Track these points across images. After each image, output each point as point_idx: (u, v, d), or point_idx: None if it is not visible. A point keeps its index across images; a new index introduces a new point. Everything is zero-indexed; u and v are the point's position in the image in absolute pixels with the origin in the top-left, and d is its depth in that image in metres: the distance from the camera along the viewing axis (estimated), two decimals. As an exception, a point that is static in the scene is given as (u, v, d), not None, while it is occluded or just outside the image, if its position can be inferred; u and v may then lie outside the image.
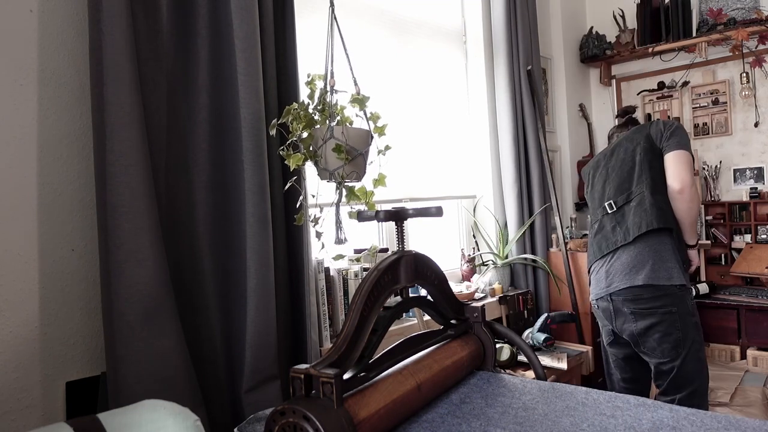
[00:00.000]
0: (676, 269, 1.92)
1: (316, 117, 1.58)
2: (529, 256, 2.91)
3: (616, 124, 2.46)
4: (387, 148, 1.67)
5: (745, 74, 3.13)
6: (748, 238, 3.11)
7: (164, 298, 1.41)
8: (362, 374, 1.00)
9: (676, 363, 1.90)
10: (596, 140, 3.74)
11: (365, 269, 2.04)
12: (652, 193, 2.01)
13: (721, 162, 3.29)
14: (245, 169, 1.59)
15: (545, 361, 2.40)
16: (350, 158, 1.53)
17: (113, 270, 1.35)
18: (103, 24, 1.34)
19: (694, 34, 3.18)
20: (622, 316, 1.99)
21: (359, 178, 1.61)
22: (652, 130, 2.12)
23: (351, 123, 1.63)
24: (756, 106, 3.18)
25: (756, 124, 3.20)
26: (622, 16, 3.45)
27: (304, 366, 0.93)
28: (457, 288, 2.60)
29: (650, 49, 3.31)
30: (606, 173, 2.21)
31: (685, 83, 3.40)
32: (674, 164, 2.00)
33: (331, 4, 1.68)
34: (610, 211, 2.12)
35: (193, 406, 1.40)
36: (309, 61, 1.98)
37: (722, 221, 3.18)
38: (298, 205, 1.67)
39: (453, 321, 1.31)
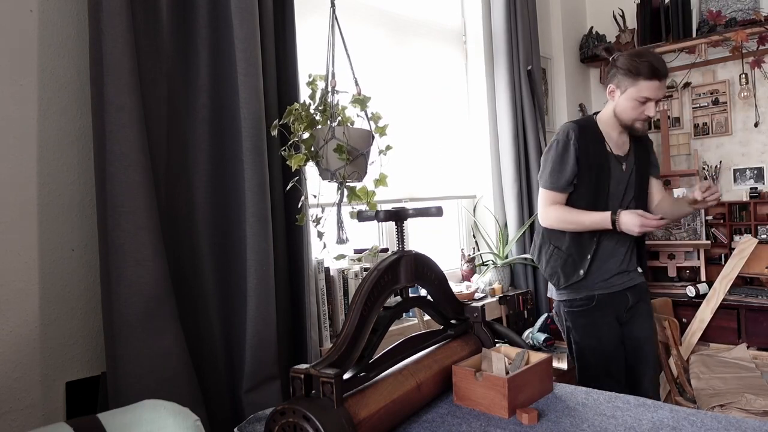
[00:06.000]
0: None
1: (317, 117, 1.58)
2: (529, 256, 2.91)
3: None
4: (388, 147, 1.66)
5: (744, 75, 3.13)
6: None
7: (164, 298, 1.41)
8: (362, 374, 1.00)
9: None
10: (596, 140, 3.73)
11: (365, 269, 2.04)
12: None
13: (721, 162, 3.29)
14: (245, 169, 1.59)
15: (545, 361, 2.39)
16: (351, 158, 1.53)
17: (113, 270, 1.35)
18: (103, 24, 1.34)
19: (694, 35, 3.17)
20: None
21: (360, 178, 1.61)
22: None
23: (352, 123, 1.63)
24: (756, 106, 3.18)
25: (756, 124, 3.20)
26: (622, 16, 3.45)
27: (304, 366, 0.93)
28: (457, 288, 2.60)
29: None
30: None
31: (687, 84, 3.40)
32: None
33: (332, 5, 1.68)
34: None
35: (193, 405, 1.39)
36: (309, 61, 1.98)
37: (722, 221, 3.18)
38: (299, 206, 1.67)
39: (453, 321, 1.31)
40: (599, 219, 1.83)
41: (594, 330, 1.91)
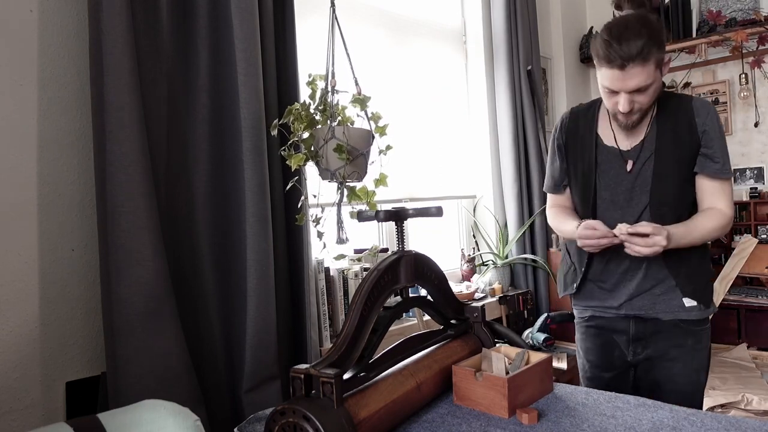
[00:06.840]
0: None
1: (317, 117, 1.58)
2: (529, 256, 2.91)
3: None
4: (388, 147, 1.66)
5: (744, 75, 3.13)
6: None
7: (164, 298, 1.41)
8: (362, 374, 1.00)
9: None
10: (596, 140, 3.74)
11: (365, 269, 2.04)
12: None
13: (721, 162, 3.29)
14: (245, 169, 1.59)
15: (545, 361, 2.39)
16: (351, 158, 1.53)
17: (113, 270, 1.35)
18: (103, 24, 1.34)
19: (694, 34, 3.18)
20: None
21: (360, 178, 1.61)
22: None
23: (352, 123, 1.63)
24: (756, 106, 3.18)
25: (756, 124, 3.20)
26: (622, 16, 3.46)
27: (304, 366, 0.93)
28: (457, 288, 2.60)
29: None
30: None
31: (687, 84, 3.40)
32: None
33: (332, 5, 1.68)
34: None
35: (193, 405, 1.39)
36: (309, 61, 1.98)
37: (722, 221, 3.18)
38: (299, 206, 1.67)
39: (453, 321, 1.31)
40: (570, 231, 1.51)
41: (588, 349, 1.64)
